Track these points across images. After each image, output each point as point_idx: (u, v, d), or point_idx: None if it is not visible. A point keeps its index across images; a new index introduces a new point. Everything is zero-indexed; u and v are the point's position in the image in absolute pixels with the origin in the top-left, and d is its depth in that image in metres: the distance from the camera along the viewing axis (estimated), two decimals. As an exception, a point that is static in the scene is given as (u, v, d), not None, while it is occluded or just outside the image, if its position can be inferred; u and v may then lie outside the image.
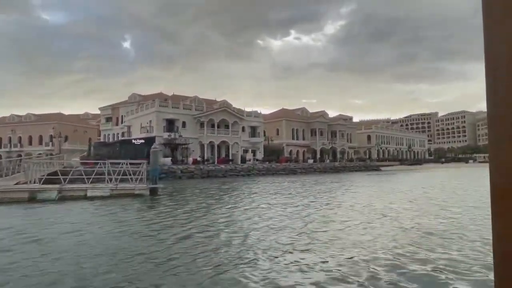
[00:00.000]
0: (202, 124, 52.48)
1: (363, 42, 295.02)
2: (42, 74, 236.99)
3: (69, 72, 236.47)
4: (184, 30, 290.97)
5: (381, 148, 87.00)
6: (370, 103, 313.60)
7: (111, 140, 64.61)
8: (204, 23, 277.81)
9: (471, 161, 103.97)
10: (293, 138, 68.46)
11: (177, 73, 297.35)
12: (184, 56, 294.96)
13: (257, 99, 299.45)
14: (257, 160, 56.31)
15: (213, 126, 53.66)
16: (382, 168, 69.45)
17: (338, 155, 73.62)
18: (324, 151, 70.45)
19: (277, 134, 67.84)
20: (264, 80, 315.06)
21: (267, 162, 55.27)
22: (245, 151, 58.95)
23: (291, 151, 67.37)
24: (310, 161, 64.12)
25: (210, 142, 52.68)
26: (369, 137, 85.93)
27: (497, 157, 0.62)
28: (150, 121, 50.29)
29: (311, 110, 77.44)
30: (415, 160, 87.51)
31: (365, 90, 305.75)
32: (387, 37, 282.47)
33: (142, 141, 47.78)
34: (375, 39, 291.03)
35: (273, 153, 63.11)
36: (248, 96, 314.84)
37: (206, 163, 49.21)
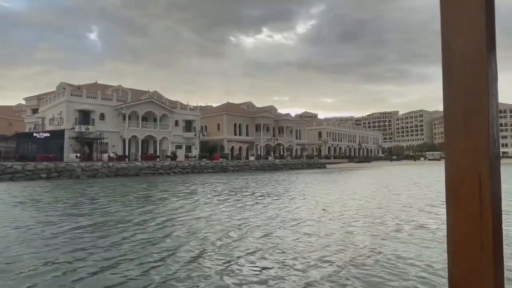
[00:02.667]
0: (124, 117, 47.19)
1: (332, 42, 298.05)
2: (0, 64, 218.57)
3: (30, 63, 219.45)
4: (153, 24, 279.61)
5: (331, 145, 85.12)
6: (339, 101, 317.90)
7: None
8: (174, 18, 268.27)
9: (422, 158, 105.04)
10: (235, 134, 64.49)
11: (146, 67, 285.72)
12: (153, 50, 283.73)
13: (228, 96, 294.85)
14: (191, 157, 51.80)
15: (143, 119, 48.62)
16: (328, 166, 67.21)
17: (285, 152, 70.62)
18: (268, 147, 67.05)
19: (218, 129, 63.60)
20: (235, 78, 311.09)
21: (204, 159, 51.05)
22: (178, 147, 54.29)
23: (232, 147, 63.40)
24: (252, 158, 60.52)
25: (133, 136, 47.53)
26: (320, 134, 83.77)
27: (451, 147, 0.66)
28: (61, 112, 44.37)
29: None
30: (364, 158, 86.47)
31: (334, 89, 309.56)
32: (354, 39, 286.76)
33: (47, 134, 41.89)
34: (343, 39, 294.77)
35: (212, 150, 58.93)
36: (218, 94, 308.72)
37: (127, 159, 44.15)
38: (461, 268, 0.65)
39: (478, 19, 0.62)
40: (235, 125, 64.72)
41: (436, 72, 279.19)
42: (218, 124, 63.73)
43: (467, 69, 0.65)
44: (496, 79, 0.66)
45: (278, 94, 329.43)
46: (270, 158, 63.06)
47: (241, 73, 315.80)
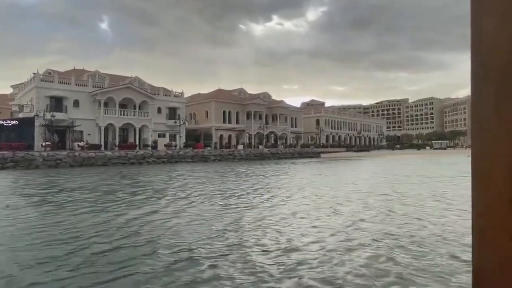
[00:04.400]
0: (100, 103, 44.83)
1: (344, 29, 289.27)
2: (13, 55, 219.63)
3: (43, 54, 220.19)
4: (164, 13, 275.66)
5: (330, 134, 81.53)
6: (350, 90, 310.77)
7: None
8: (185, 7, 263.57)
9: (428, 147, 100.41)
10: (224, 122, 61.69)
11: (157, 57, 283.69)
12: (164, 40, 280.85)
13: (239, 85, 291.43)
14: (172, 146, 49.34)
15: (121, 106, 46.28)
16: (324, 155, 64.03)
17: (279, 141, 67.57)
18: (260, 136, 64.09)
19: (207, 117, 60.89)
20: (246, 66, 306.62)
21: (190, 148, 48.59)
22: (162, 135, 51.91)
23: (221, 135, 60.71)
24: (240, 147, 57.82)
25: (110, 124, 45.25)
26: (318, 122, 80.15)
27: (480, 134, 0.64)
28: (32, 98, 42.27)
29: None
30: (364, 147, 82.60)
31: (346, 77, 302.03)
32: (367, 25, 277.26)
33: (15, 122, 39.94)
34: (356, 26, 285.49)
35: (200, 138, 56.43)
36: (230, 83, 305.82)
37: (102, 148, 41.96)
38: (487, 257, 0.63)
39: None
40: (224, 112, 61.86)
41: (452, 59, 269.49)
42: (207, 112, 60.97)
43: (499, 50, 0.61)
44: None
45: (289, 82, 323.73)
46: (260, 147, 60.19)
47: (252, 61, 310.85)
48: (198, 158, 44.26)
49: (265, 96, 71.72)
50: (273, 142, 66.69)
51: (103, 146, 42.83)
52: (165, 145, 47.51)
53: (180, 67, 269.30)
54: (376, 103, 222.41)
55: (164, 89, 54.27)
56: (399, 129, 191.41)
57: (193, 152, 45.53)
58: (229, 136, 61.73)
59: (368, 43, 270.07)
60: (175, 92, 55.70)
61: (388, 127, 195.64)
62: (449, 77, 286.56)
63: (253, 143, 62.27)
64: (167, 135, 52.50)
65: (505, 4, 0.59)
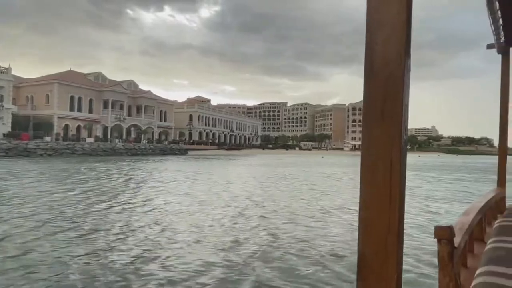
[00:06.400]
0: None
1: (236, 31, 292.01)
2: None
3: None
4: None
5: (203, 130, 78.88)
6: (240, 90, 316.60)
7: None
8: None
9: (297, 148, 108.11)
10: (72, 109, 51.97)
11: (23, 30, 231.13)
12: (34, 12, 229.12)
13: (123, 74, 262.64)
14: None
15: None
16: (192, 153, 60.65)
17: (143, 135, 61.03)
18: (119, 128, 56.44)
19: (48, 102, 50.11)
20: (133, 54, 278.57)
21: (12, 139, 37.97)
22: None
23: (67, 125, 50.87)
24: (90, 139, 49.41)
25: None
26: (191, 117, 76.42)
27: (368, 134, 0.71)
28: None
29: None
30: (236, 145, 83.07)
31: (236, 78, 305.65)
32: (257, 31, 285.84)
33: None
34: (246, 30, 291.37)
35: (31, 128, 45.53)
36: (113, 70, 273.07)
37: None
38: (370, 246, 0.70)
39: (400, 14, 0.68)
40: (72, 98, 52.10)
41: (326, 71, 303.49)
42: (48, 96, 50.17)
43: (387, 59, 0.69)
44: (409, 70, 0.72)
45: (179, 77, 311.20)
46: (117, 141, 52.79)
47: (139, 50, 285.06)
48: (17, 152, 34.95)
49: (130, 84, 64.14)
50: (135, 136, 59.77)
51: None
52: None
53: (55, 46, 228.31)
54: (259, 104, 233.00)
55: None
56: (277, 130, 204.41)
57: (13, 144, 35.84)
58: (78, 127, 52.33)
59: (257, 48, 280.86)
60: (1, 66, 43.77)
61: (268, 128, 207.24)
62: (324, 87, 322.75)
63: (109, 137, 54.32)
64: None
65: (394, 15, 0.68)
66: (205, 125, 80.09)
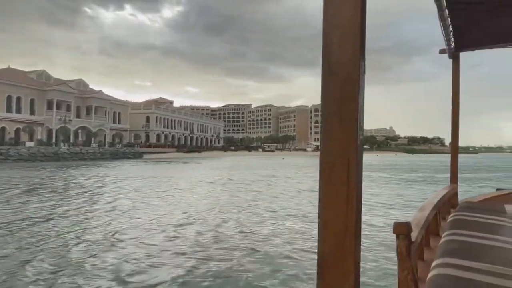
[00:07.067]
0: None
1: (199, 32, 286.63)
2: None
3: None
4: None
5: (161, 132, 75.62)
6: (204, 92, 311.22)
7: None
8: None
9: (260, 150, 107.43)
10: (9, 110, 47.18)
11: None
12: None
13: (81, 74, 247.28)
14: None
15: None
16: (148, 156, 57.50)
17: (95, 138, 56.94)
18: (66, 131, 52.12)
19: (-20, 102, 45.08)
20: (91, 54, 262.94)
21: None
22: None
23: (3, 128, 46.03)
24: (30, 144, 45.00)
25: None
26: (148, 119, 72.87)
27: (327, 134, 0.72)
28: None
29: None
30: (196, 147, 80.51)
31: (200, 79, 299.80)
32: (221, 32, 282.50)
33: None
34: (210, 32, 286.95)
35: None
36: (67, 70, 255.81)
37: None
38: (329, 246, 0.71)
39: (354, 18, 0.70)
40: (10, 98, 47.30)
41: (289, 73, 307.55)
42: (-21, 95, 45.14)
43: (343, 61, 0.70)
44: (364, 72, 0.73)
45: (141, 78, 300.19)
46: (63, 145, 48.64)
47: (98, 50, 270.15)
48: None
49: (80, 83, 59.75)
50: (84, 139, 55.62)
51: None
52: None
53: (8, 45, 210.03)
54: (223, 106, 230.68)
55: None
56: (242, 132, 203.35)
57: None
58: (17, 130, 47.58)
59: (221, 49, 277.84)
60: None
61: (233, 130, 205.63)
62: (288, 89, 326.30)
63: (54, 140, 49.96)
64: None
65: (348, 18, 0.70)
66: (164, 127, 76.78)
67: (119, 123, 65.53)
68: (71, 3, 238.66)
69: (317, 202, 0.68)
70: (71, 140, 52.63)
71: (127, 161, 44.92)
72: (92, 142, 55.55)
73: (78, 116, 56.56)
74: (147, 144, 66.75)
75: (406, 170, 33.56)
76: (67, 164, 35.59)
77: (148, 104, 78.18)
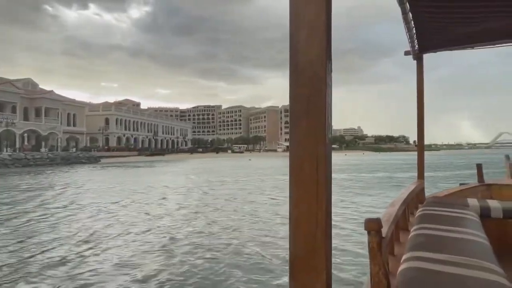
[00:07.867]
0: None
1: (168, 33, 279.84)
2: None
3: None
4: None
5: (123, 135, 71.77)
6: (175, 94, 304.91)
7: None
8: None
9: (229, 151, 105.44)
10: None
11: None
12: None
13: (44, 76, 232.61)
14: None
15: None
16: (106, 160, 53.90)
17: (45, 142, 52.56)
18: (9, 135, 47.60)
19: None
20: (54, 54, 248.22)
21: None
22: None
23: None
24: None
25: None
26: (107, 121, 68.86)
27: (295, 133, 0.73)
28: None
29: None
30: (160, 150, 77.31)
31: (171, 81, 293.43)
32: (190, 33, 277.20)
33: None
34: (180, 32, 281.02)
35: None
36: (27, 71, 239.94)
37: None
38: (300, 243, 0.72)
39: (320, 17, 0.70)
40: None
41: (260, 75, 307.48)
42: None
43: (310, 60, 0.71)
44: (331, 71, 0.74)
45: (108, 80, 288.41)
46: (6, 150, 44.27)
47: (61, 50, 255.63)
48: None
49: (28, 83, 55.12)
50: (33, 144, 51.20)
51: None
52: None
53: None
54: (193, 107, 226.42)
55: None
56: (212, 133, 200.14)
57: None
58: (-49, 134, 42.74)
59: (191, 50, 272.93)
60: None
61: (203, 131, 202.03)
62: (259, 90, 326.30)
63: (-3, 145, 45.42)
64: None
65: (313, 18, 0.70)
66: (125, 129, 72.96)
67: (74, 125, 61.23)
68: (31, 1, 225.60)
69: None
70: (17, 145, 48.22)
71: (80, 167, 41.50)
72: (43, 146, 51.23)
73: (26, 118, 52.03)
74: (106, 147, 62.85)
75: (368, 170, 32.99)
76: (7, 172, 31.97)
77: (108, 105, 73.99)
